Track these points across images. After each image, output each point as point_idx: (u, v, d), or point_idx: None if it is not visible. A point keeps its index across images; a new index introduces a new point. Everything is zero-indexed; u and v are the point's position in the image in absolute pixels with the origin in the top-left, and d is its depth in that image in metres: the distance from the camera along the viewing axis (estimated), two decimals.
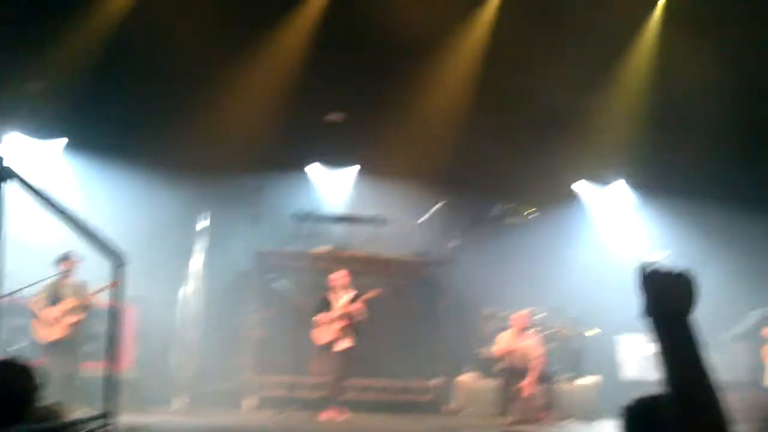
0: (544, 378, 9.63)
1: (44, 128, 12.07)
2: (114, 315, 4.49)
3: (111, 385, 4.22)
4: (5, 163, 2.23)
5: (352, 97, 12.61)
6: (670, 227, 12.70)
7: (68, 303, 8.90)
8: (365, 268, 11.13)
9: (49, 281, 9.02)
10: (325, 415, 9.02)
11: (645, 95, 12.79)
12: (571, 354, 10.37)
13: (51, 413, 4.00)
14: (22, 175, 2.30)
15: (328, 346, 9.29)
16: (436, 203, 11.61)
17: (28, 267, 9.56)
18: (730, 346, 11.38)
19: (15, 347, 8.98)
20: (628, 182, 13.79)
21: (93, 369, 8.30)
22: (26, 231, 9.77)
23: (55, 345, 8.79)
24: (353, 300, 9.46)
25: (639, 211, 13.67)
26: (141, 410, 9.12)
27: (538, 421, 9.28)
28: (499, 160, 12.14)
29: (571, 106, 12.54)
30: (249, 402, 9.93)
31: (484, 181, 12.19)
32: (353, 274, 10.52)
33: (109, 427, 4.16)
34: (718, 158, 12.26)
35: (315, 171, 13.35)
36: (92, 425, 4.11)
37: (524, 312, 9.81)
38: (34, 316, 8.88)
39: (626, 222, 13.67)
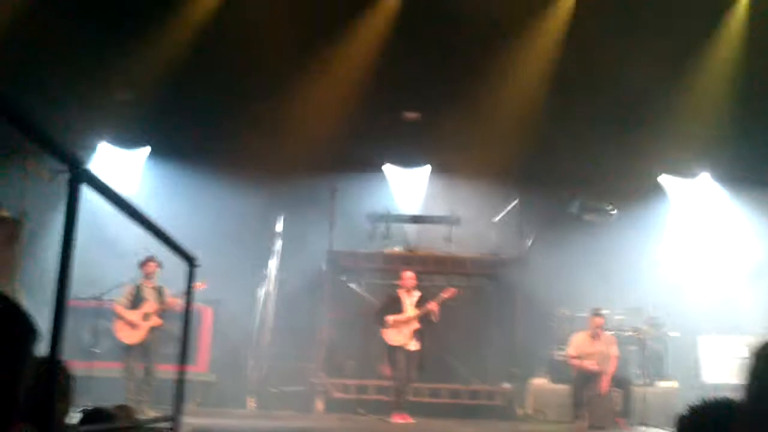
0: (620, 382, 9.38)
1: (129, 137, 12.60)
2: (188, 318, 4.62)
3: (180, 388, 4.35)
4: (84, 166, 2.33)
5: (425, 96, 12.62)
6: (760, 222, 12.17)
7: (149, 306, 9.24)
8: (439, 268, 11.11)
9: (131, 284, 9.40)
10: (396, 418, 9.05)
11: (732, 81, 12.22)
12: (649, 357, 10.05)
13: (122, 412, 4.20)
14: (99, 179, 2.39)
15: (400, 347, 9.31)
16: (511, 201, 11.47)
17: (111, 271, 10.05)
18: None
19: (98, 349, 9.39)
20: (714, 175, 13.24)
21: (171, 371, 8.60)
22: (110, 235, 10.26)
23: (135, 347, 9.12)
24: (421, 301, 9.43)
25: (726, 205, 13.13)
26: (217, 412, 9.42)
27: (614, 426, 9.07)
28: (577, 155, 11.89)
29: (653, 95, 12.16)
30: (319, 404, 10.06)
31: (561, 176, 11.96)
32: (427, 274, 10.53)
33: (173, 430, 4.30)
34: None
35: (389, 171, 13.41)
36: (158, 426, 4.27)
37: (600, 313, 9.58)
38: (117, 318, 9.24)
39: (712, 217, 13.14)
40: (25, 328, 1.95)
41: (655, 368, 10.25)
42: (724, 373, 10.46)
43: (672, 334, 10.67)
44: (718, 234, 12.77)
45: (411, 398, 9.41)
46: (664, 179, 13.46)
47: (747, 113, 12.06)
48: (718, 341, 10.86)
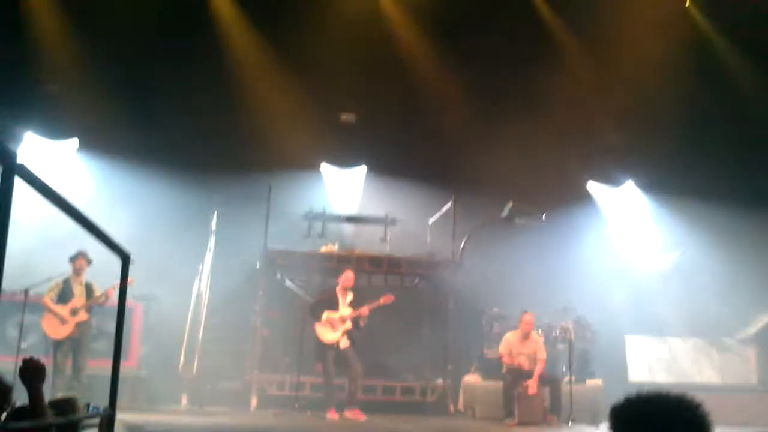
0: (550, 379, 9.63)
1: (57, 128, 12.27)
2: (121, 313, 4.55)
3: (114, 383, 4.28)
4: (15, 158, 2.29)
5: (361, 97, 12.72)
6: (680, 227, 12.66)
7: (78, 302, 9.02)
8: (374, 268, 11.20)
9: (60, 278, 9.15)
10: (330, 415, 9.08)
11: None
12: (577, 355, 10.34)
13: (68, 404, 4.12)
14: (31, 171, 2.36)
15: (331, 345, 9.34)
16: (446, 203, 11.64)
17: (40, 264, 9.77)
18: (738, 348, 11.34)
19: (25, 343, 9.11)
20: (637, 183, 13.79)
21: (102, 367, 8.42)
22: (39, 229, 9.97)
23: (64, 342, 8.88)
24: (355, 302, 9.48)
25: (649, 211, 13.65)
26: (149, 408, 9.27)
27: (543, 422, 9.28)
28: (510, 160, 12.15)
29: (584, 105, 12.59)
30: (254, 401, 10.01)
31: (495, 180, 12.19)
32: (362, 273, 10.58)
33: (110, 425, 4.23)
34: (729, 158, 12.25)
35: (326, 170, 13.44)
36: (93, 422, 4.20)
37: (529, 315, 9.81)
38: (46, 312, 9.00)
39: (636, 223, 13.65)
40: None
41: (583, 366, 10.55)
42: (649, 372, 10.86)
43: (597, 333, 11.00)
44: (640, 238, 13.28)
45: (359, 395, 9.42)
46: (591, 186, 13.89)
47: (671, 123, 12.61)
48: (643, 341, 11.27)
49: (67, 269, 9.18)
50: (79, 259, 9.12)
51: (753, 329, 11.44)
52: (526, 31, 12.63)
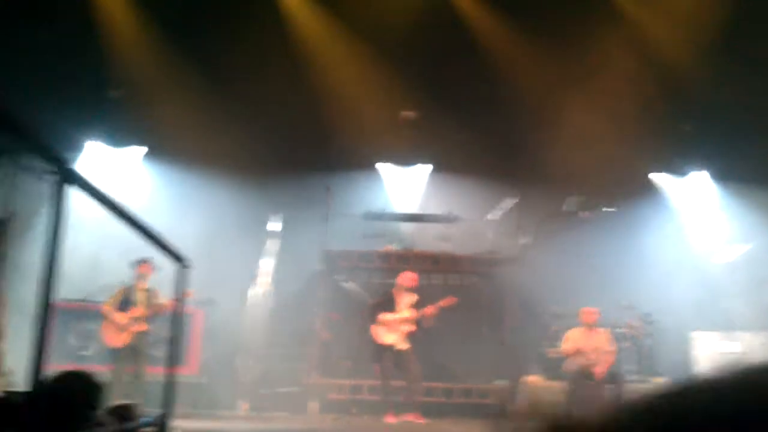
0: (613, 378, 9.36)
1: (123, 136, 12.52)
2: (178, 320, 4.59)
3: (169, 390, 4.32)
4: (70, 167, 2.29)
5: (423, 94, 12.60)
6: (751, 218, 12.21)
7: (139, 310, 9.12)
8: (434, 267, 11.10)
9: (122, 285, 9.28)
10: (388, 418, 9.01)
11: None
12: (642, 353, 10.04)
13: (127, 411, 4.18)
14: (86, 179, 2.36)
15: (389, 347, 9.25)
16: (508, 200, 11.44)
17: (102, 273, 9.99)
18: None
19: (84, 352, 9.28)
20: (708, 172, 13.32)
21: (161, 373, 8.48)
22: (98, 237, 10.18)
23: (122, 350, 8.99)
24: (418, 303, 9.37)
25: (720, 202, 13.18)
26: (209, 414, 9.34)
27: None
28: (574, 153, 11.88)
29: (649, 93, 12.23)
30: (313, 405, 10.01)
31: (558, 175, 11.93)
32: (422, 272, 10.48)
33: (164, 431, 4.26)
34: None
35: (384, 169, 13.37)
36: (148, 429, 4.24)
37: (592, 309, 9.55)
38: (105, 320, 9.11)
39: (706, 214, 13.20)
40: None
41: (648, 364, 10.24)
42: (717, 368, 10.48)
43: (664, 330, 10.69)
44: (709, 229, 12.86)
45: (418, 398, 9.35)
46: (657, 177, 13.51)
47: (739, 111, 12.12)
48: (710, 337, 10.89)
49: (129, 276, 9.30)
50: (141, 265, 9.20)
51: None
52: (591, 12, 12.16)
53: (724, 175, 13.01)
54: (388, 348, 9.22)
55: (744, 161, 12.37)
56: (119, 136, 12.63)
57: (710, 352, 10.79)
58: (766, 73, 11.69)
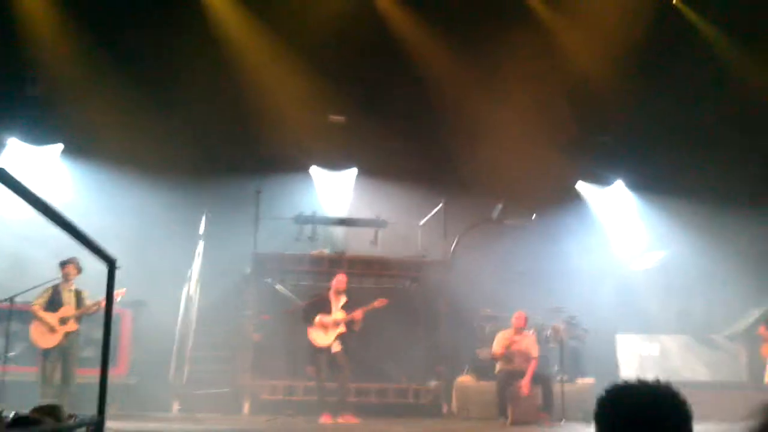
0: (542, 378, 9.61)
1: (41, 134, 12.14)
2: (108, 320, 4.49)
3: (103, 390, 4.23)
4: None
5: (352, 99, 12.67)
6: (667, 226, 12.73)
7: (68, 310, 8.86)
8: (365, 270, 11.17)
9: (49, 285, 9.00)
10: (323, 419, 9.03)
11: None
12: (568, 354, 10.34)
13: (52, 411, 4.06)
14: (13, 176, 2.30)
15: (324, 348, 9.28)
16: (436, 205, 11.62)
17: (27, 273, 9.66)
18: (728, 345, 11.39)
19: (12, 353, 8.99)
20: (626, 182, 13.85)
21: (91, 375, 8.29)
22: (23, 236, 9.86)
23: (52, 351, 8.74)
24: (348, 305, 9.43)
25: (637, 210, 13.71)
26: (140, 415, 9.16)
27: (536, 421, 9.27)
28: (500, 162, 12.14)
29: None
30: (246, 406, 9.92)
31: (485, 181, 12.18)
32: (354, 276, 10.54)
33: None
34: (716, 158, 12.31)
35: (315, 173, 13.37)
36: (82, 430, 4.15)
37: (521, 312, 9.80)
38: (34, 320, 8.84)
39: (624, 222, 13.71)
40: None
41: (574, 365, 10.56)
42: (639, 369, 10.88)
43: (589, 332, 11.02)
44: (628, 237, 13.34)
45: (351, 399, 9.44)
46: (581, 186, 13.93)
47: (654, 124, 12.69)
48: (633, 339, 11.32)
49: (55, 276, 9.04)
50: (68, 265, 8.95)
51: (742, 326, 11.50)
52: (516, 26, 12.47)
53: (640, 184, 13.55)
54: (322, 349, 9.25)
55: (658, 171, 12.93)
56: (38, 133, 12.20)
57: (632, 354, 11.22)
58: (679, 87, 12.26)
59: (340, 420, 9.05)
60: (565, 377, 9.82)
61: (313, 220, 11.50)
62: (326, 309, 9.41)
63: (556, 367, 10.27)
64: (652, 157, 13.02)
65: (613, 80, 12.43)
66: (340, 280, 9.61)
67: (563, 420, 9.27)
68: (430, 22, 12.74)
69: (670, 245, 12.55)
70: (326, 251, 11.22)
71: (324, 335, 9.29)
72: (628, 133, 13.16)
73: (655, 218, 13.11)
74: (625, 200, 13.86)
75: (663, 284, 12.32)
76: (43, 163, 12.12)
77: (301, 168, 13.19)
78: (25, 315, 8.94)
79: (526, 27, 12.42)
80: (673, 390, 1.90)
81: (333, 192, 13.30)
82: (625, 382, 1.96)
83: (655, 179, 13.06)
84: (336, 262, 10.84)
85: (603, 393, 1.95)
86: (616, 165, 13.70)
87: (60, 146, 12.29)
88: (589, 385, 10.36)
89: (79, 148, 12.13)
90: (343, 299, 9.51)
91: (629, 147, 13.30)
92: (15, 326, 8.82)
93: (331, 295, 9.53)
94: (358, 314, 9.32)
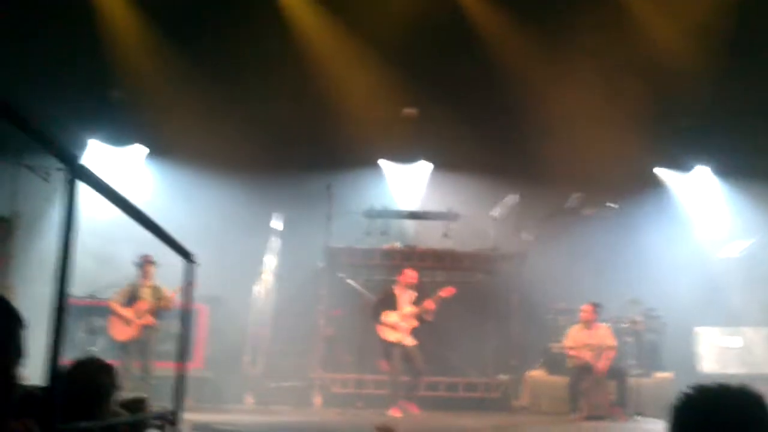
0: (616, 372, 9.42)
1: (122, 136, 12.57)
2: (185, 315, 4.65)
3: (180, 384, 4.38)
4: (81, 163, 2.34)
5: (425, 91, 12.61)
6: (754, 213, 12.22)
7: (143, 305, 9.23)
8: (437, 264, 11.15)
9: (129, 282, 9.39)
10: (393, 412, 9.08)
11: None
12: (645, 348, 10.09)
13: (137, 404, 4.24)
14: (96, 176, 2.40)
15: (396, 343, 9.34)
16: (509, 196, 11.49)
17: (110, 271, 10.05)
18: None
19: (93, 347, 9.37)
20: (711, 168, 13.31)
21: (169, 368, 8.56)
22: (106, 234, 10.23)
23: (129, 344, 9.13)
24: (418, 299, 9.46)
25: (723, 198, 13.19)
26: (215, 408, 9.42)
27: (610, 416, 9.10)
28: (575, 149, 11.90)
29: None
30: (318, 399, 10.08)
31: (560, 171, 11.95)
32: (425, 270, 10.54)
33: (176, 424, 4.32)
34: None
35: (386, 167, 13.40)
36: (159, 422, 4.30)
37: (589, 305, 9.61)
38: (112, 315, 9.23)
39: (709, 210, 13.20)
40: (12, 318, 1.97)
41: (651, 359, 10.29)
42: (720, 363, 10.51)
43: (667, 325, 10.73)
44: (712, 225, 12.86)
45: (422, 393, 9.49)
46: (661, 172, 13.49)
47: (741, 107, 12.13)
48: (713, 332, 10.92)
49: (134, 273, 9.40)
50: (145, 264, 9.34)
51: None
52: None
53: (727, 170, 13.00)
54: (396, 344, 9.31)
55: (746, 157, 12.39)
56: (120, 135, 12.65)
57: (713, 347, 10.83)
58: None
59: (401, 410, 9.07)
60: (642, 371, 9.59)
61: (385, 214, 11.53)
62: (393, 304, 9.47)
63: (632, 361, 10.03)
64: (738, 140, 12.45)
65: (695, 56, 11.95)
66: (408, 274, 9.64)
67: (638, 415, 9.06)
68: (503, 10, 12.52)
69: (757, 233, 12.04)
70: (398, 245, 11.24)
71: (394, 330, 9.35)
72: (711, 114, 12.59)
73: (740, 205, 12.58)
74: (709, 186, 13.32)
75: (746, 275, 11.84)
76: (124, 164, 12.55)
77: (373, 162, 13.22)
78: (106, 311, 9.34)
79: (605, 9, 12.02)
80: (757, 395, 1.84)
81: (404, 185, 13.28)
82: (709, 383, 1.90)
83: (741, 163, 12.50)
84: (407, 255, 10.85)
85: (684, 393, 1.90)
86: (699, 149, 13.14)
87: (142, 149, 12.70)
88: (667, 380, 10.09)
89: (160, 149, 12.52)
90: (413, 294, 9.53)
91: (713, 129, 12.72)
92: (96, 321, 9.19)
93: (399, 290, 9.57)
94: (429, 304, 9.36)
